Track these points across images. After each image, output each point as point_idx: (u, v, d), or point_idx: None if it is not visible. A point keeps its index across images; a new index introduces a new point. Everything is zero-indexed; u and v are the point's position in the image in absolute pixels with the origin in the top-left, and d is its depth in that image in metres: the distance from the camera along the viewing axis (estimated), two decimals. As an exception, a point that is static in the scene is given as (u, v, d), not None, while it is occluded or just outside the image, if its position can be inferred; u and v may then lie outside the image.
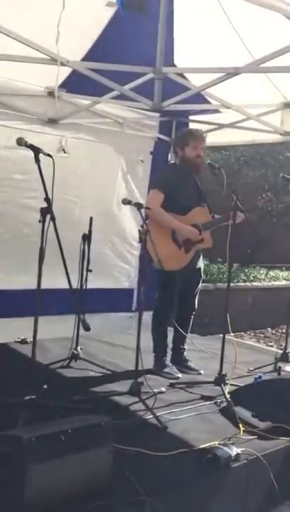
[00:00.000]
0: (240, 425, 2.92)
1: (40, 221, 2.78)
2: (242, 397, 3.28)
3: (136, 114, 5.33)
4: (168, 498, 2.24)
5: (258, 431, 2.89)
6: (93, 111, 5.00)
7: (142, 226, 3.17)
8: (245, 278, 8.10)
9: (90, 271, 3.92)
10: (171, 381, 3.71)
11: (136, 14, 3.77)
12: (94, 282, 5.14)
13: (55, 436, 2.01)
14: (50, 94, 4.65)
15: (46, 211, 2.78)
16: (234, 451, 2.54)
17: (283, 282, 8.88)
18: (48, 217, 2.77)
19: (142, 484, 2.24)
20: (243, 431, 2.88)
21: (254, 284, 8.12)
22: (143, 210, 3.29)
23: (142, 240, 3.17)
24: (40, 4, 3.50)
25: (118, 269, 5.70)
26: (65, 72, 4.30)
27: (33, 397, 2.82)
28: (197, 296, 4.12)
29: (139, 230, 3.19)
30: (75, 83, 4.42)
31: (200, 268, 4.08)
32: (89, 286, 4.37)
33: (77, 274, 3.88)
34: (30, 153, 2.87)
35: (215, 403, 3.34)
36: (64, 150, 5.00)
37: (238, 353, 3.98)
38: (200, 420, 3.08)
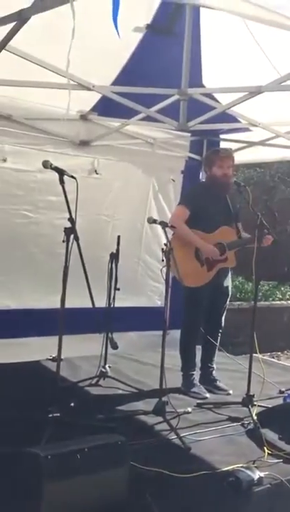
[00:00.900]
0: (265, 448, 2.85)
1: (63, 241, 2.85)
2: (270, 419, 3.20)
3: (166, 134, 5.38)
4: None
5: (284, 454, 2.82)
6: (124, 132, 5.09)
7: (165, 244, 3.20)
8: (281, 296, 7.93)
9: (118, 289, 3.97)
10: (198, 401, 3.67)
11: (164, 37, 3.87)
12: (125, 301, 5.22)
13: (72, 454, 2.03)
14: (82, 117, 4.79)
15: (70, 231, 2.84)
16: (257, 474, 2.49)
17: None
18: (72, 237, 2.83)
19: (161, 506, 2.22)
20: (268, 454, 2.81)
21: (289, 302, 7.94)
22: (167, 229, 3.32)
23: (165, 258, 3.19)
24: (68, 33, 3.63)
25: (150, 287, 5.72)
26: (96, 96, 4.44)
27: (57, 414, 2.86)
28: (224, 314, 4.10)
29: (162, 249, 3.22)
30: (106, 106, 4.54)
31: (227, 286, 4.06)
32: (120, 305, 4.42)
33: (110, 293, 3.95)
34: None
35: (242, 425, 3.28)
36: (96, 171, 5.11)
37: (271, 373, 3.94)
38: (225, 442, 3.03)
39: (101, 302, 4.04)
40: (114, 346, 3.89)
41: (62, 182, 2.89)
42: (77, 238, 2.84)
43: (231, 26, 3.82)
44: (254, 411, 3.30)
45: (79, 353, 4.68)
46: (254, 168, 8.48)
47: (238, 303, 6.95)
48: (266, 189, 8.56)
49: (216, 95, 4.32)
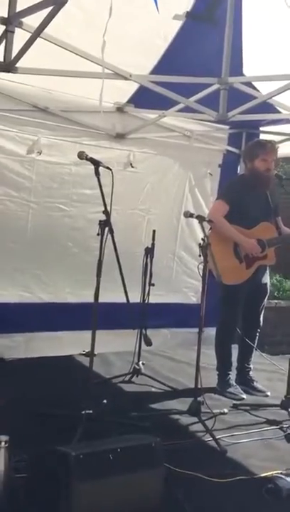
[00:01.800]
0: (306, 454, 2.71)
1: (98, 234, 2.78)
2: (310, 424, 3.06)
3: (204, 126, 5.25)
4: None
5: None
6: (161, 125, 4.98)
7: (203, 239, 3.08)
8: None
9: (153, 285, 3.87)
10: (235, 402, 3.55)
11: (204, 25, 3.75)
12: (160, 297, 5.14)
13: (104, 454, 1.96)
14: (119, 109, 4.71)
15: (105, 224, 2.77)
16: (298, 482, 2.35)
17: None
18: (106, 230, 2.75)
19: (194, 511, 2.12)
20: (309, 460, 2.67)
21: None
22: (205, 223, 3.20)
23: (203, 254, 3.07)
24: (103, 21, 3.55)
25: (185, 284, 5.60)
26: (132, 87, 4.35)
27: (90, 411, 2.79)
28: (262, 312, 3.95)
29: (199, 244, 3.10)
30: (143, 98, 4.44)
31: (266, 283, 3.91)
32: (154, 301, 4.34)
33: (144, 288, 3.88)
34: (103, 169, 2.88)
35: (281, 428, 3.13)
36: (132, 164, 5.03)
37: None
38: (263, 446, 2.90)
39: (135, 298, 3.97)
40: (148, 343, 3.81)
41: (97, 173, 2.82)
42: (111, 231, 2.76)
43: (274, 12, 3.67)
44: (294, 414, 3.15)
45: (113, 348, 4.63)
46: (294, 162, 8.23)
47: (276, 301, 6.73)
48: (306, 184, 8.30)
49: (257, 85, 4.16)
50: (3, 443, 2.05)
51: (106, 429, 2.74)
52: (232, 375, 3.89)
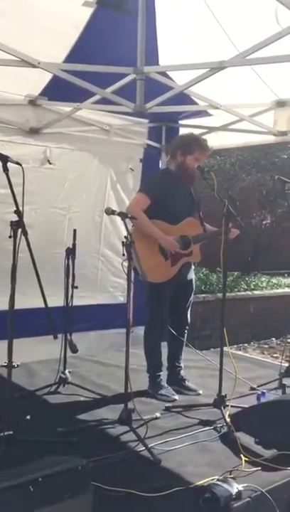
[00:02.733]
0: (242, 455, 2.62)
1: (10, 236, 2.52)
2: (244, 421, 2.99)
3: (123, 120, 5.10)
4: None
5: (262, 460, 2.59)
6: (78, 119, 4.76)
7: (126, 237, 2.91)
8: (246, 287, 7.80)
9: (76, 287, 3.64)
10: (167, 404, 3.42)
11: (115, 13, 3.57)
12: (85, 299, 4.92)
13: (23, 487, 1.72)
14: (31, 102, 4.43)
15: (17, 225, 2.51)
16: (235, 488, 2.25)
17: (286, 289, 8.58)
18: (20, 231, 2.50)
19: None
20: (245, 461, 2.58)
21: (255, 292, 7.82)
22: (127, 220, 3.04)
23: (126, 252, 2.90)
24: (11, 7, 3.28)
25: (111, 283, 5.43)
26: (45, 78, 4.09)
27: (10, 432, 2.53)
28: (189, 309, 3.85)
29: (123, 242, 2.93)
30: (57, 90, 4.20)
31: (191, 280, 3.81)
32: (80, 303, 4.11)
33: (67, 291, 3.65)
34: (15, 166, 2.62)
35: (215, 428, 3.04)
36: (49, 161, 4.76)
37: (240, 368, 3.72)
38: (198, 450, 2.78)
39: (59, 301, 3.74)
40: (74, 350, 3.58)
41: (5, 169, 2.55)
42: (25, 233, 2.51)
43: (188, 1, 3.58)
44: (227, 413, 3.07)
45: (37, 357, 4.36)
46: (214, 156, 8.30)
47: (203, 295, 6.76)
48: (227, 178, 8.41)
49: (175, 77, 4.06)
50: None
51: (30, 450, 2.50)
52: (163, 375, 3.76)
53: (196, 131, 4.89)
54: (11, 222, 2.54)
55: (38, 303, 2.96)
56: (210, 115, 4.80)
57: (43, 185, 4.73)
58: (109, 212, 3.19)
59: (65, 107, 4.45)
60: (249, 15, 3.20)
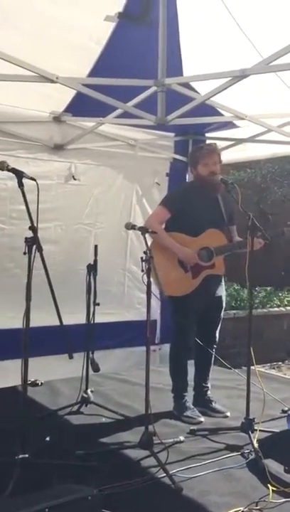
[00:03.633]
0: (269, 484, 2.44)
1: (24, 253, 2.46)
2: (273, 447, 2.81)
3: (149, 135, 5.06)
4: None
5: (291, 491, 2.42)
6: (103, 134, 4.74)
7: (145, 253, 2.81)
8: (279, 303, 7.53)
9: (98, 304, 3.56)
10: (192, 427, 3.27)
11: (138, 26, 3.54)
12: (111, 315, 4.83)
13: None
14: (56, 119, 4.44)
15: (32, 241, 2.46)
16: (261, 521, 2.09)
17: None
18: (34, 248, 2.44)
19: None
20: (273, 491, 2.41)
21: (288, 308, 7.54)
22: (147, 235, 2.95)
23: (145, 268, 2.80)
24: (30, 24, 3.28)
25: (138, 299, 5.32)
26: (69, 96, 4.09)
27: (26, 456, 2.44)
28: (218, 328, 3.69)
29: (141, 258, 2.83)
30: (80, 106, 4.19)
31: (220, 296, 3.66)
32: (106, 320, 4.03)
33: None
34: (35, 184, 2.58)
35: (242, 454, 2.88)
36: (74, 177, 4.75)
37: (271, 389, 3.54)
38: (223, 478, 2.62)
39: (82, 319, 3.67)
40: (96, 369, 3.48)
41: (20, 185, 2.51)
42: (40, 249, 2.45)
43: (211, 10, 3.51)
44: (255, 437, 2.90)
45: (60, 374, 4.28)
46: (244, 169, 8.13)
47: (234, 311, 6.55)
48: (257, 191, 8.21)
49: (199, 88, 3.98)
50: None
51: (46, 475, 2.41)
52: (189, 396, 3.61)
53: (222, 144, 4.80)
54: (26, 238, 2.49)
55: (56, 321, 2.91)
56: (236, 127, 4.69)
57: (68, 202, 4.72)
58: (129, 227, 3.13)
59: (88, 123, 4.43)
60: (273, 20, 3.09)
